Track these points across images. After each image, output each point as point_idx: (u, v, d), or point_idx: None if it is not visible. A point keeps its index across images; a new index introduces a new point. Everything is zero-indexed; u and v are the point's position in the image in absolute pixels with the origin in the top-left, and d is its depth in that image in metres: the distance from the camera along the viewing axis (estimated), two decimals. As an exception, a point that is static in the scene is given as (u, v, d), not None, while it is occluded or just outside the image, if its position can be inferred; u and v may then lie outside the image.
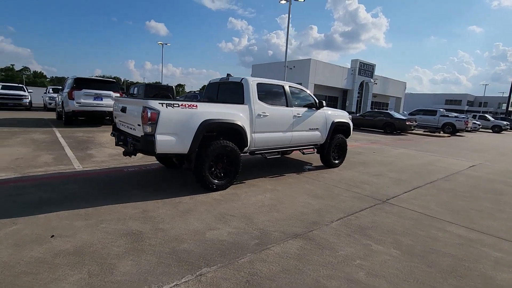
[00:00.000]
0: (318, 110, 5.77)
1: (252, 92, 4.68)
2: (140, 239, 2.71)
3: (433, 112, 22.04)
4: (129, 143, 4.03)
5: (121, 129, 4.59)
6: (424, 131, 19.03)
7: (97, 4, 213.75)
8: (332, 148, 6.17)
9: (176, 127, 3.77)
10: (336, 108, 30.73)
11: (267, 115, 4.79)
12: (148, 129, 3.61)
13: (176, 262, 2.36)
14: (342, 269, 2.41)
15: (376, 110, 26.44)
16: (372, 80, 33.96)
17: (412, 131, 17.74)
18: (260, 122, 4.70)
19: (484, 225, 3.60)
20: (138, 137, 3.77)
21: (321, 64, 30.34)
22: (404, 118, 17.30)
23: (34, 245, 2.49)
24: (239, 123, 4.34)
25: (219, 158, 4.25)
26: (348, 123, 6.47)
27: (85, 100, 10.23)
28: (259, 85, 4.83)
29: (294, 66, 29.87)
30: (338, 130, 6.44)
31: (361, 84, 34.30)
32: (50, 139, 7.69)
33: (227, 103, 4.56)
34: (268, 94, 5.01)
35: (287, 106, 5.19)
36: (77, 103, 10.12)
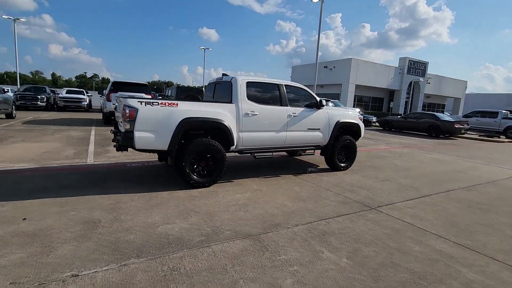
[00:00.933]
0: (320, 110, 5.50)
1: (240, 91, 4.66)
2: (94, 227, 2.89)
3: (493, 114, 19.32)
4: (117, 139, 4.32)
5: (118, 127, 4.95)
6: (480, 135, 16.82)
7: (156, 16, 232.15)
8: (338, 150, 5.82)
9: (155, 125, 3.93)
10: (381, 109, 29.21)
11: (256, 114, 4.72)
12: (127, 126, 3.83)
13: (111, 251, 2.47)
14: (271, 274, 2.27)
15: (422, 111, 24.14)
16: (421, 79, 31.11)
17: (463, 135, 15.82)
18: (248, 121, 4.65)
19: (482, 242, 3.07)
20: (122, 133, 4.03)
21: (363, 63, 28.81)
22: (452, 120, 15.51)
23: (4, 225, 2.82)
24: (223, 121, 4.36)
25: (203, 156, 4.32)
26: (357, 124, 6.04)
27: (120, 101, 11.20)
28: (249, 84, 4.79)
29: (334, 67, 28.87)
30: (346, 131, 6.07)
31: (410, 84, 31.69)
32: (83, 136, 8.59)
33: (218, 102, 4.64)
34: (261, 93, 4.94)
35: (281, 105, 5.06)
36: (113, 104, 11.10)
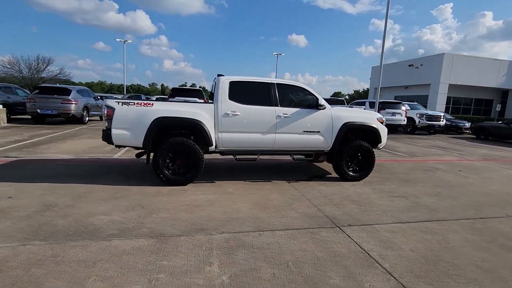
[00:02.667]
0: (321, 110, 4.89)
1: (222, 91, 4.57)
2: (45, 210, 3.30)
3: None
4: None
5: None
6: None
7: (249, 27, 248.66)
8: (346, 157, 5.04)
9: (130, 123, 4.23)
10: (489, 114, 24.10)
11: (238, 114, 4.54)
12: (106, 124, 4.25)
13: (30, 231, 2.77)
14: (130, 277, 2.15)
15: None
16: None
17: None
18: (227, 122, 4.52)
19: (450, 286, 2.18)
20: (103, 130, 4.47)
21: (461, 58, 24.08)
22: None
23: (-11, 200, 3.51)
24: (199, 121, 4.36)
25: (178, 154, 4.41)
26: (372, 126, 5.10)
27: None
28: (233, 83, 4.65)
29: (421, 64, 25.09)
30: (358, 135, 5.22)
31: (534, 82, 24.81)
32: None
33: (201, 102, 4.69)
34: (246, 92, 4.72)
35: (270, 105, 4.72)
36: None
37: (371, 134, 5.21)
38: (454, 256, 2.68)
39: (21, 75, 28.75)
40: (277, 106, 4.74)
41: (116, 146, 4.40)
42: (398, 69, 27.87)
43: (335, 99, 17.63)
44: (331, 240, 2.90)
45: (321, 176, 5.48)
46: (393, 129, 15.68)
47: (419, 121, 15.54)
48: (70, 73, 35.29)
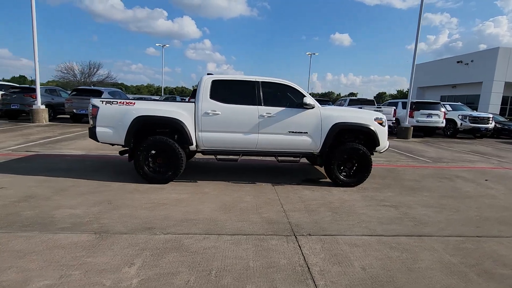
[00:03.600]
0: (308, 110, 4.59)
1: (204, 90, 4.52)
2: (22, 200, 3.54)
3: None
4: None
5: None
6: None
7: (290, 28, 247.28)
8: (337, 160, 4.65)
9: (112, 121, 4.38)
10: None
11: (218, 114, 4.45)
12: (91, 122, 4.45)
13: (-6, 220, 3.00)
14: (44, 273, 2.18)
15: None
16: None
17: None
18: (207, 121, 4.45)
19: (377, 320, 1.84)
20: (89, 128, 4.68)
21: (522, 52, 21.08)
22: None
23: (-17, 190, 3.88)
24: (178, 120, 4.36)
25: (159, 152, 4.46)
26: (368, 127, 4.63)
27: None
28: (215, 82, 4.58)
29: (471, 61, 22.54)
30: (353, 137, 4.80)
31: None
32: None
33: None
34: (229, 91, 4.62)
35: (254, 104, 4.55)
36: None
37: (367, 136, 4.75)
38: (410, 280, 2.28)
39: (75, 78, 32.00)
40: (261, 105, 4.55)
41: (102, 143, 4.59)
42: (445, 66, 25.35)
43: (365, 99, 16.62)
44: (276, 249, 2.67)
45: (315, 180, 5.15)
46: (429, 132, 14.33)
47: (461, 124, 13.94)
48: (116, 76, 38.51)
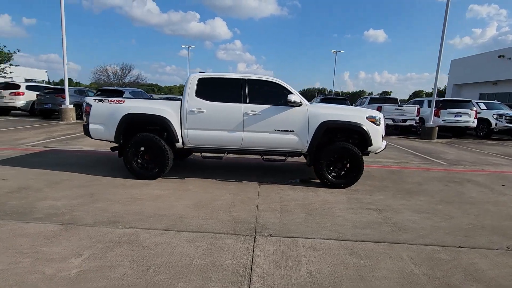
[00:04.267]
0: (295, 108, 4.45)
1: (190, 88, 4.56)
2: (16, 191, 3.82)
3: None
4: None
5: None
6: None
7: (321, 26, 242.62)
8: (326, 160, 4.46)
9: (103, 119, 4.58)
10: None
11: (203, 111, 4.47)
12: (85, 119, 4.69)
13: (-18, 208, 3.27)
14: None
15: None
16: None
17: None
18: (192, 119, 4.49)
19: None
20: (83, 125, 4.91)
21: None
22: None
23: (-13, 181, 4.25)
24: (164, 117, 4.46)
25: (147, 149, 4.59)
26: (358, 126, 4.37)
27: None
28: (202, 80, 4.60)
29: (515, 54, 20.44)
30: (343, 135, 4.58)
31: None
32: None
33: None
34: (215, 89, 4.61)
35: (239, 102, 4.50)
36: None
37: (358, 135, 4.50)
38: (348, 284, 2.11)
39: (110, 80, 34.08)
40: (246, 103, 4.49)
41: (95, 139, 4.82)
42: (485, 61, 23.26)
43: (387, 98, 15.80)
44: (228, 248, 2.61)
45: (306, 180, 4.96)
46: (459, 132, 13.28)
47: (496, 124, 12.72)
48: (146, 77, 40.42)
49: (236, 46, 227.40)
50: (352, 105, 17.06)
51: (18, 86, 13.84)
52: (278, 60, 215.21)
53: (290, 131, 4.47)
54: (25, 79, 28.04)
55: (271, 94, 4.62)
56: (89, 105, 4.62)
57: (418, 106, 13.09)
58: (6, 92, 13.57)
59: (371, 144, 4.44)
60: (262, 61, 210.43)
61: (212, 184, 4.57)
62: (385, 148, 4.80)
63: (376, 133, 4.45)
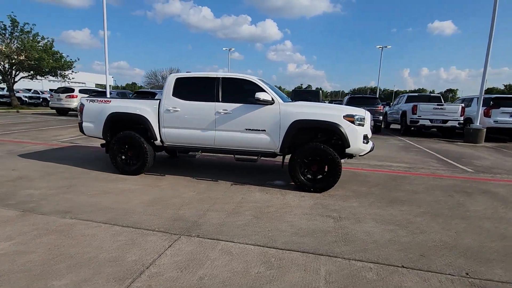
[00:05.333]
0: (266, 106, 4.27)
1: (167, 87, 4.69)
2: (12, 180, 4.36)
3: None
4: None
5: None
6: None
7: (379, 20, 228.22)
8: (299, 162, 4.19)
9: (93, 117, 4.96)
10: None
11: (178, 110, 4.56)
12: (79, 118, 5.13)
13: (-25, 193, 3.80)
14: (-49, 235, 2.69)
15: None
16: None
17: None
18: (168, 117, 4.61)
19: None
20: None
21: None
22: None
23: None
24: (143, 116, 4.66)
25: (129, 146, 4.84)
26: (332, 125, 4.01)
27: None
28: (179, 80, 4.70)
29: None
30: (319, 135, 4.24)
31: None
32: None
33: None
34: (191, 88, 4.66)
35: (212, 101, 4.49)
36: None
37: (334, 136, 4.13)
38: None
39: (159, 83, 36.84)
40: (219, 101, 4.46)
41: (88, 136, 5.25)
42: None
43: (427, 95, 14.15)
44: (143, 246, 2.62)
45: (286, 184, 4.72)
46: (516, 135, 11.30)
47: None
48: None
49: (286, 47, 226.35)
50: (389, 104, 15.76)
51: (72, 90, 15.77)
52: (330, 59, 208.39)
53: (262, 130, 4.31)
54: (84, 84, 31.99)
55: (244, 92, 4.50)
56: (82, 105, 5.06)
57: (462, 104, 11.49)
58: (63, 95, 15.57)
59: (348, 146, 4.04)
60: (313, 61, 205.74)
61: (186, 182, 4.63)
62: (371, 150, 4.33)
63: (354, 134, 4.03)
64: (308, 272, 2.28)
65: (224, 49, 40.69)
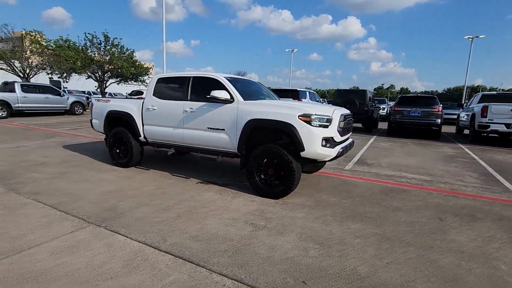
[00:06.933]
0: (226, 105, 4.14)
1: (150, 87, 5.01)
2: (26, 162, 5.33)
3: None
4: None
5: None
6: None
7: (483, 9, 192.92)
8: (255, 164, 3.92)
9: (98, 114, 5.65)
10: None
11: (155, 109, 4.82)
12: (90, 115, 5.90)
13: (-3, 173, 4.79)
14: None
15: None
16: None
17: None
18: (148, 115, 4.92)
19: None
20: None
21: None
22: None
23: (36, 152, 6.05)
24: (129, 114, 5.09)
25: (120, 142, 5.35)
26: (284, 125, 3.61)
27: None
28: (160, 80, 4.96)
29: None
30: (275, 136, 3.88)
31: None
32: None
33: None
34: (167, 88, 4.86)
35: (182, 99, 4.59)
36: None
37: (288, 137, 3.72)
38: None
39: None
40: (187, 100, 4.54)
41: (97, 131, 5.99)
42: None
43: (505, 94, 11.15)
44: (51, 228, 2.89)
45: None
46: None
47: None
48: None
49: (370, 44, 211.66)
50: (462, 106, 13.22)
51: (142, 93, 18.15)
52: (422, 55, 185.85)
53: (221, 129, 4.20)
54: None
55: (209, 91, 4.44)
56: (92, 104, 5.83)
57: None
58: (135, 98, 18.11)
59: (302, 149, 3.60)
60: (401, 58, 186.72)
61: (160, 177, 4.84)
62: (337, 156, 3.75)
63: (309, 136, 3.56)
64: (155, 277, 2.15)
65: (287, 50, 40.52)
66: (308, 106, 3.93)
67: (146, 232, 2.88)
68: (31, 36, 18.98)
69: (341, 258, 2.50)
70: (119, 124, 5.44)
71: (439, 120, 10.27)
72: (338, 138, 3.81)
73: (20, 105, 14.00)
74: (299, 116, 3.63)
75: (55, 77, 22.30)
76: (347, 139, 4.37)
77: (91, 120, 5.94)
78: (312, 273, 2.27)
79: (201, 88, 4.53)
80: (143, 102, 5.03)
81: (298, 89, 12.87)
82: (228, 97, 4.09)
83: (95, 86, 22.86)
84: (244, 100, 4.14)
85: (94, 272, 2.20)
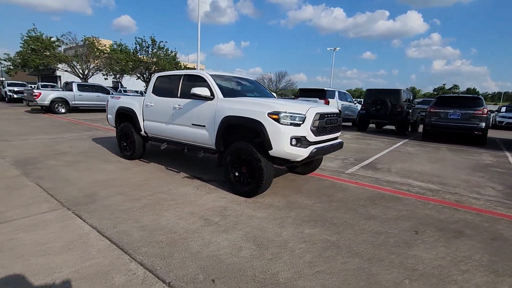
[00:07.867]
0: (207, 101, 4.20)
1: (150, 85, 5.31)
2: (49, 152, 6.04)
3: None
4: None
5: None
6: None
7: None
8: (230, 161, 3.92)
9: (111, 110, 6.16)
10: None
11: (152, 105, 5.11)
12: (106, 111, 6.46)
13: None
14: (-32, 181, 4.16)
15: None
16: None
17: None
18: (146, 111, 5.23)
19: None
20: None
21: None
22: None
23: (61, 144, 6.83)
24: (132, 110, 5.47)
25: (126, 136, 5.77)
26: (255, 122, 3.53)
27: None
28: (159, 78, 5.23)
29: None
30: (247, 134, 3.83)
31: None
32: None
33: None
34: (166, 85, 5.09)
35: (173, 97, 4.78)
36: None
37: (258, 135, 3.63)
38: None
39: (265, 85, 39.35)
40: (177, 97, 4.71)
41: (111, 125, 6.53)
42: None
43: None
44: (28, 208, 3.26)
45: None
46: None
47: None
48: (296, 82, 45.14)
49: (432, 41, 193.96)
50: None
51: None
52: (498, 51, 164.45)
53: (202, 126, 4.28)
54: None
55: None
56: (107, 101, 6.38)
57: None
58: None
59: (270, 148, 3.49)
60: (471, 55, 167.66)
61: (155, 170, 5.10)
62: (309, 156, 3.55)
63: (277, 134, 3.43)
64: (80, 259, 2.31)
65: (328, 49, 38.87)
66: (281, 103, 3.78)
67: (103, 218, 3.09)
68: (96, 41, 21.27)
69: (270, 261, 2.39)
70: (126, 120, 5.88)
71: (483, 124, 8.97)
72: (311, 137, 3.61)
73: (76, 102, 15.86)
74: (268, 113, 3.53)
75: (110, 78, 24.78)
76: (332, 139, 4.11)
77: (107, 115, 6.52)
78: (228, 273, 2.21)
79: (190, 86, 4.64)
80: (143, 99, 5.36)
81: (325, 89, 12.40)
82: (208, 94, 4.16)
83: (144, 86, 24.86)
84: (225, 97, 4.16)
85: (35, 249, 2.44)
